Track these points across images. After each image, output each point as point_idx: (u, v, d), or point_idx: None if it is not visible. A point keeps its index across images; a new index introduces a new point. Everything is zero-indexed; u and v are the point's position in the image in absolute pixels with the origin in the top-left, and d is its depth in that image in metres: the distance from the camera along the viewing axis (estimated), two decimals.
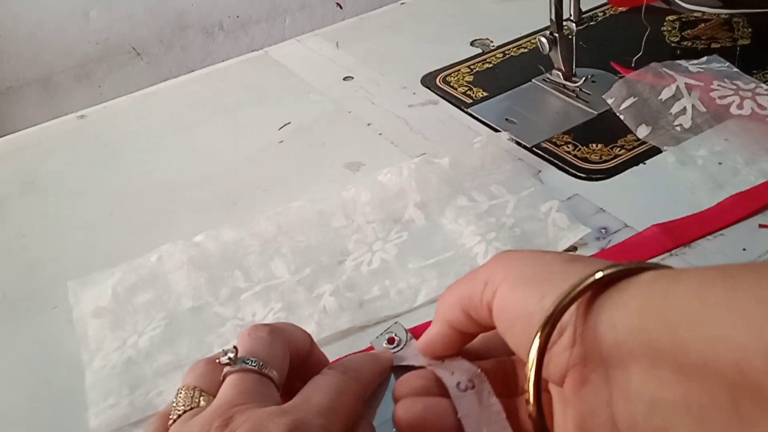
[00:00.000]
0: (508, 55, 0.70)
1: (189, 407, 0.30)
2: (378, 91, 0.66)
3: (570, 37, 0.60)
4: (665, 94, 0.57)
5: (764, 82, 0.58)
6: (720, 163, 0.51)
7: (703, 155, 0.52)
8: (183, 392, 0.31)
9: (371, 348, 0.40)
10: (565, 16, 0.59)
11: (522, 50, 0.70)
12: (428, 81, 0.67)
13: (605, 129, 0.57)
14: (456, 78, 0.67)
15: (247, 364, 0.31)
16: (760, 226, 0.46)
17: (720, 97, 0.56)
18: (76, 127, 0.67)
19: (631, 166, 0.53)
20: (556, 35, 0.60)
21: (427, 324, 0.42)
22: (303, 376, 0.33)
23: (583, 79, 0.62)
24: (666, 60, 0.60)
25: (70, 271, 0.49)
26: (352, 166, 0.57)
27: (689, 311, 0.23)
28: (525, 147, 0.56)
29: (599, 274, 0.26)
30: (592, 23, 0.73)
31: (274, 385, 0.31)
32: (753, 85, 0.57)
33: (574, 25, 0.59)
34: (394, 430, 0.36)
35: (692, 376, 0.22)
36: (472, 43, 0.73)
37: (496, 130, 0.59)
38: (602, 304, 0.25)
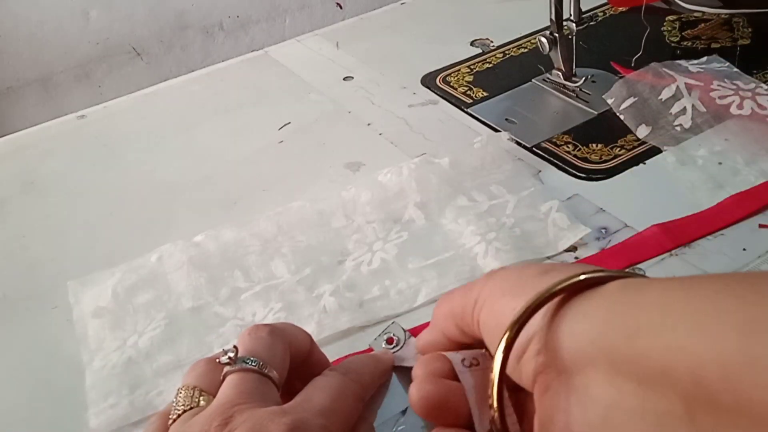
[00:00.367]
0: (508, 55, 0.70)
1: (189, 407, 0.30)
2: (378, 91, 0.66)
3: (570, 37, 0.60)
4: (665, 94, 0.57)
5: (764, 82, 0.58)
6: (720, 163, 0.51)
7: (703, 155, 0.52)
8: (183, 392, 0.31)
9: (371, 349, 0.40)
10: (565, 16, 0.59)
11: (522, 50, 0.70)
12: (428, 81, 0.67)
13: (605, 129, 0.57)
14: (456, 78, 0.67)
15: (247, 363, 0.31)
16: (760, 226, 0.46)
17: (720, 97, 0.56)
18: (76, 127, 0.67)
19: (631, 166, 0.53)
20: (556, 35, 0.60)
21: (427, 324, 0.42)
22: (303, 376, 0.33)
23: (583, 79, 0.62)
24: (666, 60, 0.60)
25: (70, 271, 0.49)
26: (352, 166, 0.57)
27: (650, 321, 0.23)
28: (525, 147, 0.56)
29: (564, 284, 0.27)
30: (592, 23, 0.73)
31: (274, 385, 0.31)
32: (753, 85, 0.57)
33: (574, 25, 0.59)
34: (394, 430, 0.36)
35: (649, 384, 0.23)
36: (472, 43, 0.73)
37: (496, 130, 0.59)
38: (566, 312, 0.26)
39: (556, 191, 0.51)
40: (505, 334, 0.27)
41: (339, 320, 0.42)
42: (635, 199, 0.50)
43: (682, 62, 0.60)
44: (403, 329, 0.39)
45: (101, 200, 0.56)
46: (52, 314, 0.46)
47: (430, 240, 0.47)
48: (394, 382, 0.38)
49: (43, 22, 1.26)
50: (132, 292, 0.46)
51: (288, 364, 0.33)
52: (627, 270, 0.44)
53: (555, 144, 0.56)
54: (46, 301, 0.47)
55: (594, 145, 0.55)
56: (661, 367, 0.22)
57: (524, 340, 0.27)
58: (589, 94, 0.61)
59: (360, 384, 0.33)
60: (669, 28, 0.71)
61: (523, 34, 0.73)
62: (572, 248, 0.46)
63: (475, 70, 0.68)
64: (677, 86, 0.57)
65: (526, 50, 0.70)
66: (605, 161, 0.54)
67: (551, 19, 0.59)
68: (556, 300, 0.27)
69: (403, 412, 0.37)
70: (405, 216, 0.49)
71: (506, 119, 0.60)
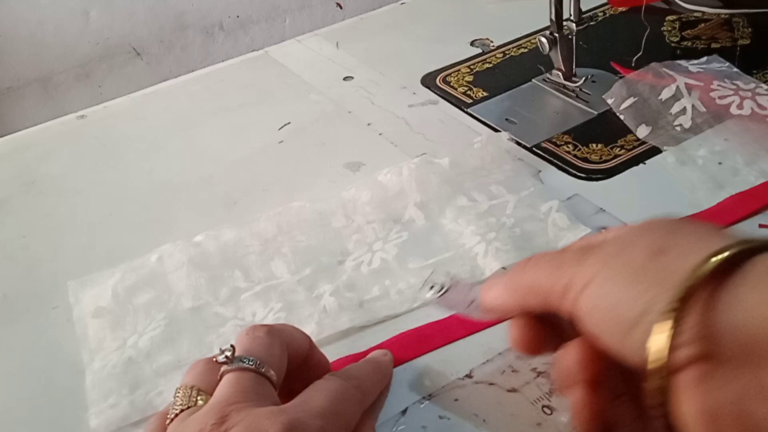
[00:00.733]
0: (508, 55, 0.70)
1: (186, 406, 0.30)
2: (378, 91, 0.66)
3: (570, 37, 0.60)
4: (665, 94, 0.57)
5: (764, 82, 0.58)
6: (720, 163, 0.51)
7: (703, 155, 0.52)
8: (181, 391, 0.31)
9: (371, 350, 0.40)
10: (565, 16, 0.59)
11: (522, 50, 0.70)
12: (428, 81, 0.67)
13: (605, 129, 0.57)
14: (456, 78, 0.67)
15: (245, 363, 0.31)
16: (760, 226, 0.46)
17: (720, 97, 0.56)
18: (76, 127, 0.67)
19: (631, 166, 0.53)
20: (556, 35, 0.60)
21: (427, 324, 0.42)
22: (303, 377, 0.33)
23: (583, 79, 0.62)
24: (666, 60, 0.60)
25: (70, 271, 0.49)
26: (352, 166, 0.57)
27: None
28: (525, 147, 0.56)
29: (705, 270, 0.24)
30: (592, 23, 0.73)
31: (272, 385, 0.31)
32: (753, 85, 0.57)
33: (574, 25, 0.59)
34: (394, 430, 0.36)
35: None
36: (472, 43, 0.73)
37: (496, 130, 0.59)
38: (721, 297, 0.24)
39: (556, 191, 0.51)
40: (657, 333, 0.24)
41: (339, 320, 0.42)
42: (635, 199, 0.50)
43: (682, 62, 0.60)
44: (447, 274, 0.37)
45: (101, 200, 0.56)
46: (52, 314, 0.46)
47: (430, 240, 0.47)
48: (395, 383, 0.38)
49: (43, 22, 1.26)
50: (132, 292, 0.46)
51: (286, 364, 0.33)
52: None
53: (555, 144, 0.56)
54: (46, 301, 0.47)
55: (594, 145, 0.55)
56: None
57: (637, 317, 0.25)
58: (589, 94, 0.61)
59: (361, 390, 0.33)
60: (669, 28, 0.71)
61: (523, 34, 0.73)
62: None
63: (475, 70, 0.68)
64: (677, 86, 0.57)
65: (526, 50, 0.70)
66: (605, 161, 0.54)
67: (551, 19, 0.59)
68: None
69: (403, 412, 0.37)
70: (405, 216, 0.49)
71: (506, 119, 0.60)
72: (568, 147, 0.56)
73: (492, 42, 0.72)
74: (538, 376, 0.38)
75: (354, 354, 0.40)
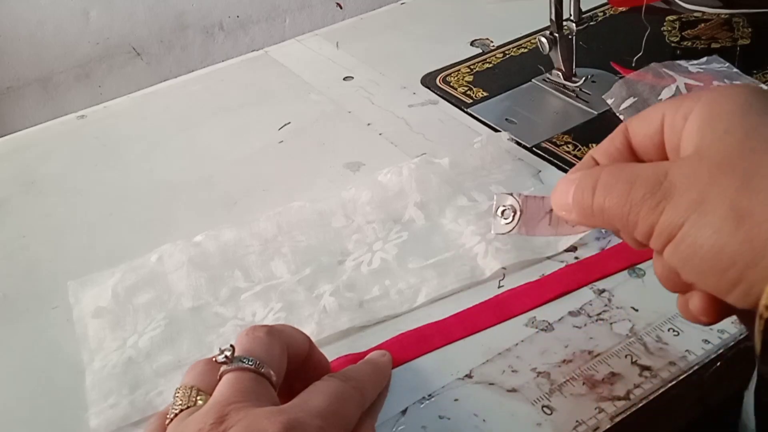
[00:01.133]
0: (508, 55, 0.70)
1: (186, 406, 0.30)
2: (378, 91, 0.66)
3: (570, 37, 0.60)
4: (665, 94, 0.57)
5: (764, 82, 0.58)
6: None
7: None
8: (180, 391, 0.31)
9: (371, 350, 0.40)
10: (565, 16, 0.59)
11: (522, 50, 0.70)
12: (428, 81, 0.67)
13: (605, 129, 0.56)
14: (456, 78, 0.67)
15: (244, 363, 0.31)
16: None
17: None
18: (76, 127, 0.67)
19: None
20: (556, 35, 0.60)
21: (427, 324, 0.42)
22: (303, 378, 0.33)
23: (583, 79, 0.62)
24: (666, 60, 0.60)
25: (70, 271, 0.49)
26: (352, 166, 0.57)
27: None
28: (525, 147, 0.56)
29: None
30: (592, 23, 0.73)
31: (271, 385, 0.31)
32: None
33: (574, 25, 0.59)
34: (394, 430, 0.36)
35: None
36: (472, 43, 0.73)
37: (496, 130, 0.59)
38: None
39: None
40: None
41: (339, 320, 0.42)
42: None
43: (682, 62, 0.60)
44: (510, 194, 0.33)
45: (101, 200, 0.56)
46: (52, 314, 0.46)
47: (430, 240, 0.47)
48: (395, 383, 0.38)
49: (43, 22, 1.26)
50: (132, 292, 0.46)
51: (285, 364, 0.33)
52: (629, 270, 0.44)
53: (555, 144, 0.56)
54: (46, 301, 0.47)
55: (594, 145, 0.55)
56: None
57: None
58: (589, 94, 0.61)
59: (360, 392, 0.33)
60: (669, 28, 0.71)
61: (523, 34, 0.72)
62: (572, 248, 0.46)
63: (475, 70, 0.68)
64: (677, 86, 0.56)
65: (526, 50, 0.70)
66: None
67: (551, 19, 0.59)
68: None
69: (403, 412, 0.37)
70: (405, 216, 0.49)
71: (506, 119, 0.60)
72: (568, 147, 0.56)
73: (492, 42, 0.72)
74: (538, 376, 0.38)
75: (354, 354, 0.40)
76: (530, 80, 0.65)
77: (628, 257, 0.44)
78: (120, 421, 0.38)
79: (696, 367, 0.38)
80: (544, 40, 0.60)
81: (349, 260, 0.47)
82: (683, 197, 0.25)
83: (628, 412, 0.36)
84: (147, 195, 0.56)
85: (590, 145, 0.55)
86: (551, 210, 0.32)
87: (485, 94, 0.64)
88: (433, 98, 0.65)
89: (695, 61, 0.60)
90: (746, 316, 0.26)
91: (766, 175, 0.24)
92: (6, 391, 0.42)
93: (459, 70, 0.68)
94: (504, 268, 0.44)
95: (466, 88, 0.65)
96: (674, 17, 0.72)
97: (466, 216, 0.48)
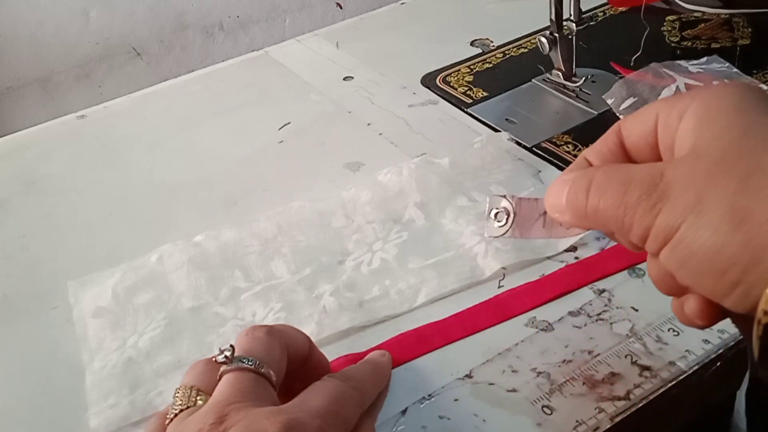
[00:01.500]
0: (508, 55, 0.70)
1: (186, 406, 0.30)
2: (378, 91, 0.66)
3: (570, 37, 0.60)
4: (665, 94, 0.57)
5: (764, 82, 0.58)
6: None
7: None
8: (180, 391, 0.31)
9: (371, 350, 0.40)
10: (565, 16, 0.59)
11: (522, 50, 0.70)
12: (428, 81, 0.67)
13: (605, 129, 0.56)
14: (456, 78, 0.67)
15: (244, 363, 0.31)
16: None
17: None
18: (76, 127, 0.67)
19: None
20: (556, 35, 0.60)
21: (427, 324, 0.42)
22: (303, 378, 0.33)
23: (583, 79, 0.62)
24: (666, 60, 0.60)
25: (70, 271, 0.49)
26: (352, 166, 0.57)
27: None
28: (525, 147, 0.56)
29: None
30: (592, 23, 0.73)
31: (271, 385, 0.31)
32: None
33: (574, 25, 0.59)
34: (394, 430, 0.36)
35: None
36: (472, 43, 0.73)
37: (496, 130, 0.59)
38: None
39: None
40: None
41: (339, 320, 0.42)
42: None
43: (682, 62, 0.60)
44: (503, 196, 0.33)
45: (101, 200, 0.56)
46: (52, 314, 0.46)
47: (430, 240, 0.47)
48: (395, 383, 0.38)
49: (43, 22, 1.26)
50: (132, 292, 0.46)
51: (285, 364, 0.33)
52: (629, 270, 0.44)
53: (555, 144, 0.56)
54: (46, 301, 0.47)
55: None
56: None
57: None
58: (589, 94, 0.61)
59: (360, 392, 0.33)
60: (669, 28, 0.71)
61: (523, 34, 0.72)
62: (572, 248, 0.46)
63: (475, 70, 0.68)
64: (677, 86, 0.56)
65: (526, 50, 0.70)
66: None
67: (551, 19, 0.59)
68: None
69: (403, 412, 0.37)
70: (405, 216, 0.49)
71: (506, 119, 0.60)
72: (568, 147, 0.56)
73: (492, 42, 0.72)
74: (538, 376, 0.38)
75: (354, 354, 0.40)
76: (530, 80, 0.65)
77: (628, 257, 0.44)
78: (120, 421, 0.38)
79: (696, 367, 0.38)
80: (544, 40, 0.60)
81: (349, 260, 0.47)
82: (680, 198, 0.25)
83: (628, 412, 0.36)
84: (147, 195, 0.56)
85: (590, 145, 0.55)
86: (545, 212, 0.32)
87: (485, 94, 0.64)
88: (433, 98, 0.65)
89: (695, 61, 0.60)
90: (742, 319, 0.25)
91: (765, 173, 0.24)
92: (6, 391, 0.42)
93: (459, 70, 0.68)
94: (504, 268, 0.44)
95: (466, 88, 0.65)
96: (674, 17, 0.72)
97: (466, 216, 0.48)
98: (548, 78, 0.64)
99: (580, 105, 0.61)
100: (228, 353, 0.31)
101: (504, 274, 0.45)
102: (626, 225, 0.26)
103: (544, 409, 0.36)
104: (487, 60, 0.69)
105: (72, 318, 0.45)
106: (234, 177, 0.57)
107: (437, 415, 0.37)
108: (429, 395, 0.38)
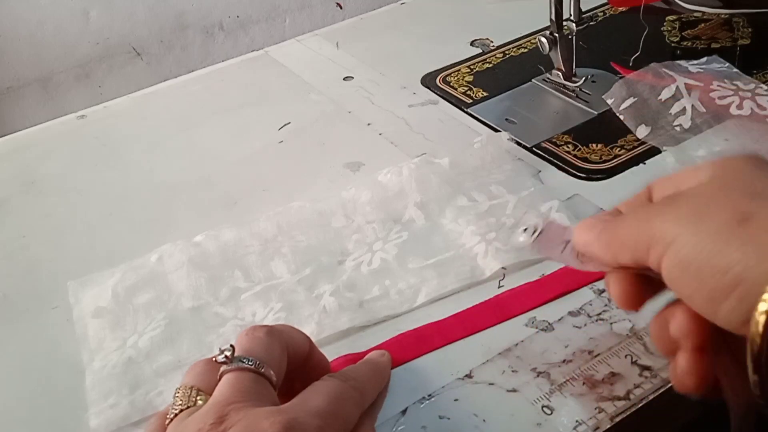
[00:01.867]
0: (508, 55, 0.70)
1: (186, 406, 0.30)
2: (378, 91, 0.66)
3: (570, 37, 0.60)
4: (665, 94, 0.57)
5: (764, 83, 0.58)
6: None
7: (703, 155, 0.52)
8: (180, 391, 0.31)
9: (371, 350, 0.40)
10: (565, 16, 0.59)
11: (522, 50, 0.70)
12: (428, 81, 0.67)
13: (605, 129, 0.57)
14: (456, 78, 0.67)
15: (244, 363, 0.31)
16: None
17: (720, 98, 0.56)
18: (76, 127, 0.67)
19: (631, 166, 0.53)
20: (556, 35, 0.60)
21: (427, 325, 0.42)
22: (303, 378, 0.33)
23: (583, 79, 0.62)
24: (666, 60, 0.60)
25: (70, 271, 0.49)
26: (352, 166, 0.57)
27: None
28: (525, 147, 0.56)
29: None
30: (592, 23, 0.73)
31: (271, 385, 0.31)
32: (753, 86, 0.57)
33: (574, 25, 0.59)
34: (394, 430, 0.36)
35: None
36: (472, 43, 0.73)
37: (496, 130, 0.59)
38: None
39: (556, 191, 0.51)
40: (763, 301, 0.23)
41: (339, 320, 0.42)
42: None
43: (682, 62, 0.60)
44: (540, 215, 0.37)
45: (101, 200, 0.56)
46: (52, 314, 0.46)
47: (430, 240, 0.47)
48: (395, 383, 0.38)
49: (43, 22, 1.26)
50: (132, 292, 0.46)
51: (285, 365, 0.33)
52: None
53: (555, 144, 0.56)
54: (46, 301, 0.47)
55: (594, 145, 0.55)
56: None
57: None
58: (589, 94, 0.61)
59: (360, 391, 0.33)
60: (669, 28, 0.71)
61: (523, 34, 0.72)
62: None
63: (475, 70, 0.68)
64: (677, 86, 0.57)
65: (526, 50, 0.70)
66: (605, 161, 0.54)
67: (551, 19, 0.59)
68: None
69: (403, 412, 0.37)
70: (405, 216, 0.49)
71: (506, 119, 0.60)
72: (568, 147, 0.56)
73: (492, 42, 0.72)
74: (538, 376, 0.38)
75: (354, 354, 0.40)
76: (530, 80, 0.65)
77: None
78: (120, 421, 0.38)
79: None
80: (544, 40, 0.60)
81: (349, 260, 0.47)
82: (683, 207, 0.27)
83: (628, 412, 0.36)
84: (147, 195, 0.56)
85: (590, 145, 0.55)
86: (569, 241, 0.34)
87: (485, 94, 0.64)
88: (433, 98, 0.65)
89: (695, 61, 0.60)
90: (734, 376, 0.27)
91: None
92: (6, 391, 0.42)
93: (459, 70, 0.68)
94: (504, 268, 0.44)
95: (466, 88, 0.65)
96: (674, 17, 0.72)
97: (466, 216, 0.48)
98: (548, 78, 0.64)
99: (580, 105, 0.61)
100: (228, 353, 0.31)
101: (504, 274, 0.45)
102: (642, 234, 0.28)
103: (544, 409, 0.36)
104: (487, 60, 0.69)
105: (72, 318, 0.45)
106: (234, 177, 0.57)
107: (437, 415, 0.37)
108: (429, 395, 0.38)
